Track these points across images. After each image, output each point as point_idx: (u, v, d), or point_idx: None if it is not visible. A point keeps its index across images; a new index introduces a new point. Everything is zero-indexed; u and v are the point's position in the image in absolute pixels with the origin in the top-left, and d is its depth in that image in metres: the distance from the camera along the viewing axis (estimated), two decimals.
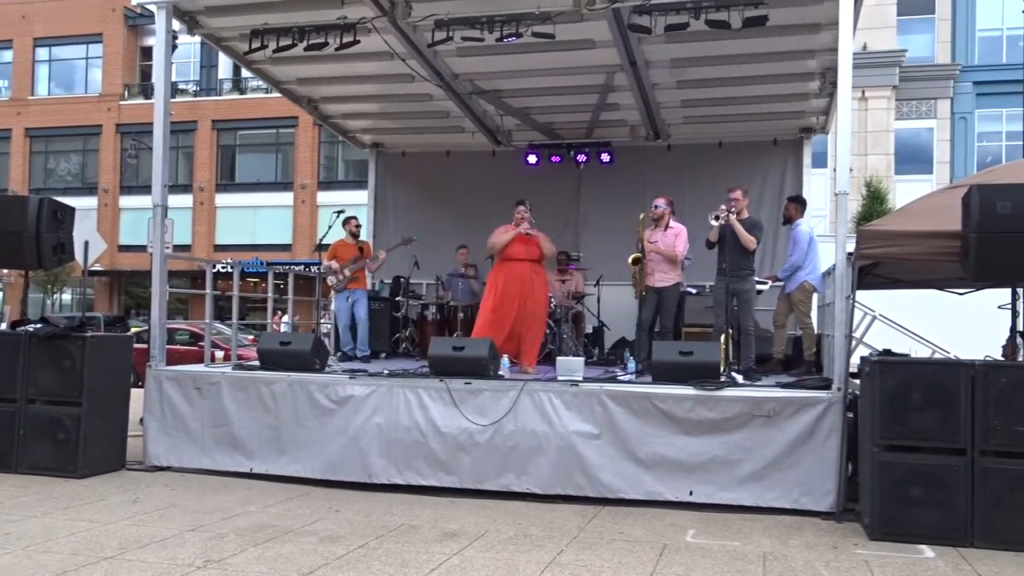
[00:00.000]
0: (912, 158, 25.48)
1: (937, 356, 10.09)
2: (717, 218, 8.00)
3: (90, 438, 7.43)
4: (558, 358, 7.77)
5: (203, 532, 5.69)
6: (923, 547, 5.52)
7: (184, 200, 33.64)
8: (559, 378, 7.17)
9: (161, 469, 7.83)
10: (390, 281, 12.05)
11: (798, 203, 9.12)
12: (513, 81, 10.24)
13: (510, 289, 8.47)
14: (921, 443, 5.69)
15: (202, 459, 7.75)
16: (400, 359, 10.63)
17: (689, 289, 9.89)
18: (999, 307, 6.98)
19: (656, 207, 8.66)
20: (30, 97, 36.98)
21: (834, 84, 8.43)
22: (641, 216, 8.61)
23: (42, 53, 37.41)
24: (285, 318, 11.60)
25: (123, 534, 5.59)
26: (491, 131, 11.87)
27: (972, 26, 25.77)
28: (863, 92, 24.38)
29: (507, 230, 8.59)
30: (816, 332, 8.85)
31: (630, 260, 8.53)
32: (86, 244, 8.33)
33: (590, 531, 5.90)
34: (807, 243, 8.70)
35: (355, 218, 10.51)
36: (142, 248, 31.24)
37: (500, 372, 7.71)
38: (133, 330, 19.91)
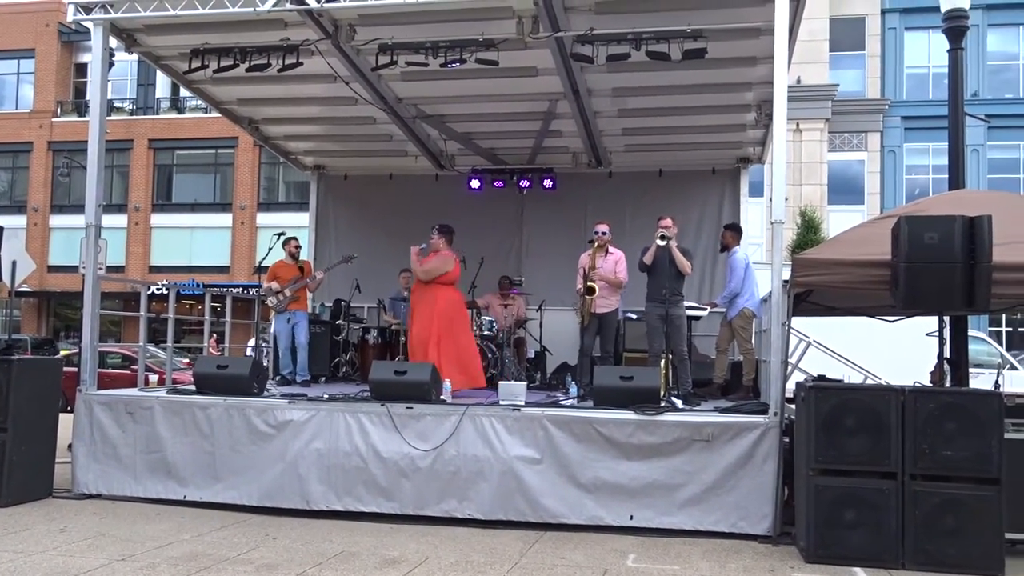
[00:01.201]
0: (844, 189, 26.26)
1: (869, 382, 10.34)
2: (664, 238, 8.10)
3: (15, 465, 7.18)
4: (500, 382, 7.76)
5: (134, 562, 5.52)
6: (857, 570, 5.64)
7: (119, 220, 32.83)
8: (501, 403, 7.16)
9: (90, 497, 7.58)
10: (331, 304, 11.93)
11: (734, 231, 9.32)
12: (457, 106, 10.29)
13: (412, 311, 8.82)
14: (854, 467, 5.82)
15: (134, 486, 7.53)
16: (340, 383, 10.50)
17: (630, 315, 9.99)
18: (927, 334, 7.21)
19: (604, 234, 8.74)
20: None
21: (770, 116, 8.66)
22: (596, 246, 8.68)
23: None
24: (251, 341, 11.28)
25: (49, 565, 5.39)
26: (434, 155, 11.89)
27: (900, 63, 26.79)
28: (797, 124, 25.09)
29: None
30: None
31: (584, 291, 8.55)
32: (13, 264, 8.06)
33: (532, 557, 5.89)
34: (743, 269, 8.89)
35: (295, 239, 10.40)
36: (73, 268, 30.34)
37: (442, 396, 7.67)
38: (63, 353, 19.31)
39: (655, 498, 6.59)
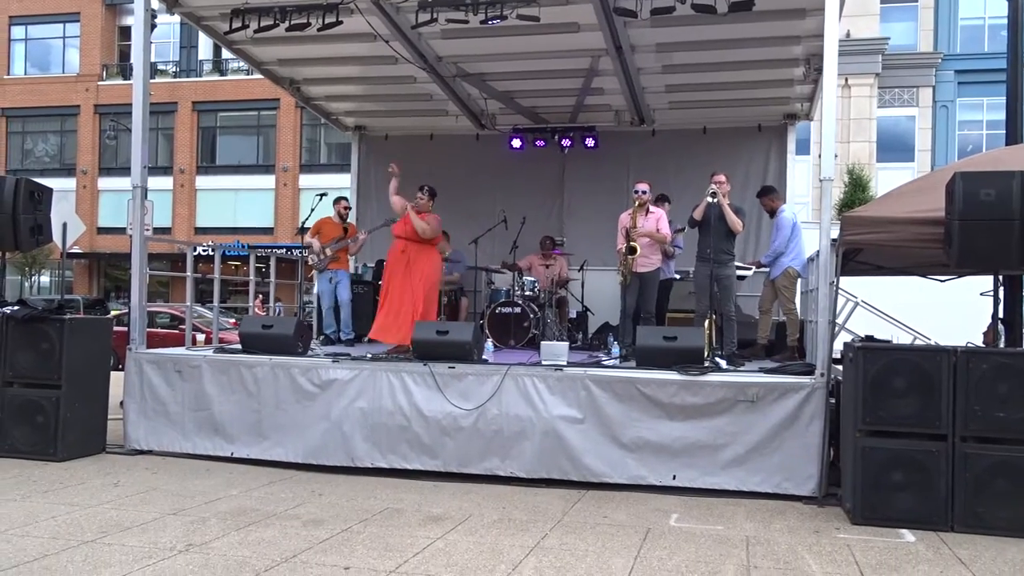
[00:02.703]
0: (894, 146, 25.62)
1: (919, 342, 10.16)
2: (713, 195, 7.97)
3: (69, 421, 7.36)
4: (542, 342, 7.76)
5: (185, 516, 5.65)
6: (904, 531, 5.57)
7: (164, 182, 33.33)
8: (543, 362, 7.16)
9: (142, 453, 7.77)
10: (373, 265, 11.99)
11: (770, 194, 9.11)
12: (497, 64, 10.18)
13: (388, 269, 8.72)
14: (903, 428, 5.72)
15: (183, 443, 7.70)
16: (384, 343, 10.56)
17: (674, 275, 9.89)
18: (981, 294, 7.03)
19: (644, 192, 8.64)
20: (6, 77, 36.41)
21: (819, 70, 8.42)
22: (636, 204, 8.60)
23: (18, 32, 36.82)
24: (275, 302, 11.35)
25: (104, 518, 5.54)
26: (475, 114, 11.81)
27: (955, 15, 25.89)
28: (846, 79, 24.46)
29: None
30: (799, 318, 8.88)
31: (625, 250, 8.47)
32: (64, 226, 8.24)
33: (574, 515, 5.91)
34: (790, 229, 8.72)
35: (345, 199, 10.51)
36: (122, 230, 30.87)
37: (485, 356, 7.69)
38: (113, 313, 19.72)
39: (698, 458, 6.57)
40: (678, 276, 9.90)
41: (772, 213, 9.04)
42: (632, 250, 8.43)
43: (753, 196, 10.80)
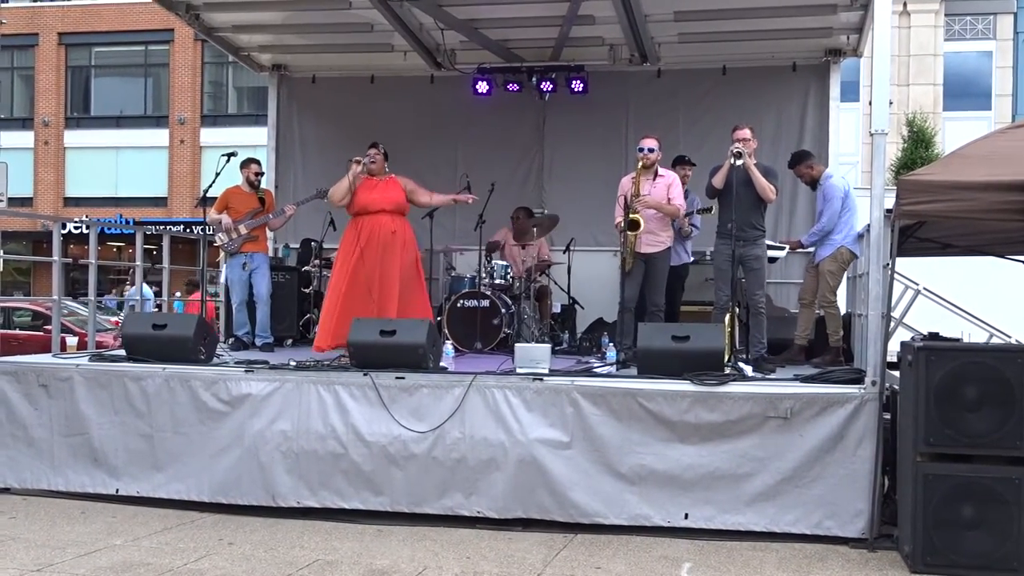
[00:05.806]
0: (965, 90, 25.90)
1: (996, 341, 10.29)
2: (738, 155, 7.95)
3: None
4: (517, 345, 7.78)
5: (52, 573, 5.62)
6: None
7: (23, 138, 32.99)
8: (518, 370, 7.19)
9: None
10: (298, 246, 11.94)
11: (807, 160, 9.08)
12: None
13: (367, 252, 8.72)
14: (976, 451, 5.82)
15: (52, 477, 7.66)
16: (311, 347, 10.54)
17: (688, 259, 9.90)
18: None
19: (650, 151, 8.63)
20: None
21: None
22: (640, 166, 8.61)
23: None
24: (177, 293, 11.28)
25: None
26: (429, 50, 11.76)
27: None
28: (904, 5, 24.68)
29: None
30: (844, 311, 8.94)
31: (624, 224, 8.46)
32: None
33: (558, 566, 5.94)
34: (841, 200, 8.72)
35: (256, 162, 10.39)
36: None
37: (443, 363, 7.69)
38: None
39: (717, 491, 6.63)
40: (692, 259, 9.93)
41: (814, 184, 9.05)
42: (633, 224, 8.44)
43: (785, 156, 10.82)
